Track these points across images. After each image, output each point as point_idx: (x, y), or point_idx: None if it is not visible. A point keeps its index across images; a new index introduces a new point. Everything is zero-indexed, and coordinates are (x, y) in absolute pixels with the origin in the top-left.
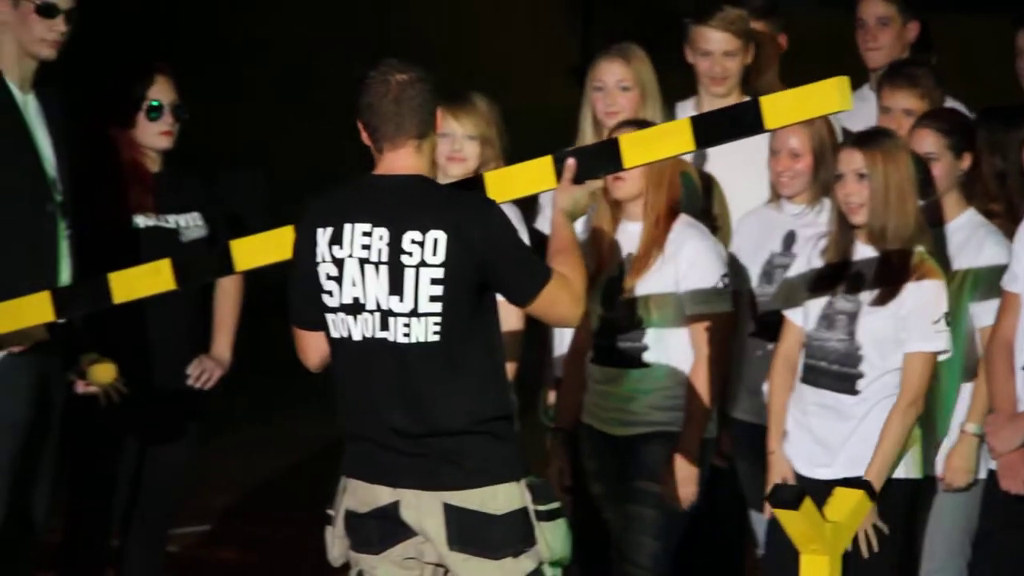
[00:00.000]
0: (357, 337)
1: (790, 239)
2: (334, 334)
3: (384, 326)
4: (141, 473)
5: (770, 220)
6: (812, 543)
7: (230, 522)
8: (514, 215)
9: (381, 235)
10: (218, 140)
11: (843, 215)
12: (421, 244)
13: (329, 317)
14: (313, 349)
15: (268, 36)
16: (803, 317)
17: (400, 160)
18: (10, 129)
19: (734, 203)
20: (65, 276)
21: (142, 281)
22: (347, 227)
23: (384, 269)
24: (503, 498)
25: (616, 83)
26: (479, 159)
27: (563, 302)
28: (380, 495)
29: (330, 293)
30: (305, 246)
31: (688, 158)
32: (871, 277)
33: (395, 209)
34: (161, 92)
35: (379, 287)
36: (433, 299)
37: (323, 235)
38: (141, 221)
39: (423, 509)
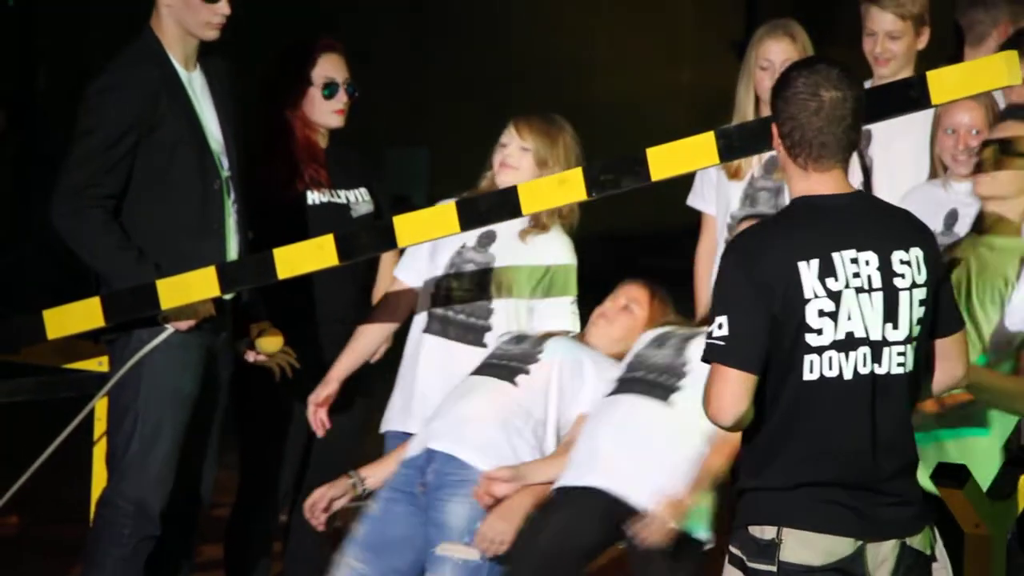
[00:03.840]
0: (847, 375)
1: (952, 218)
2: (808, 376)
3: (876, 358)
4: (310, 448)
5: (934, 198)
6: (976, 522)
7: None
8: None
9: (867, 259)
10: (381, 118)
11: None
12: (908, 263)
13: (808, 358)
14: (742, 397)
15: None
16: None
17: (833, 179)
18: (177, 108)
19: (885, 182)
20: (232, 252)
21: (306, 256)
22: (836, 256)
23: (879, 296)
24: (930, 536)
25: (783, 62)
26: (532, 175)
27: (964, 355)
28: (840, 546)
29: (819, 332)
30: (779, 284)
31: None
32: None
33: (869, 230)
34: (335, 70)
35: (874, 316)
36: (919, 322)
37: (808, 269)
38: (316, 198)
39: (880, 557)
